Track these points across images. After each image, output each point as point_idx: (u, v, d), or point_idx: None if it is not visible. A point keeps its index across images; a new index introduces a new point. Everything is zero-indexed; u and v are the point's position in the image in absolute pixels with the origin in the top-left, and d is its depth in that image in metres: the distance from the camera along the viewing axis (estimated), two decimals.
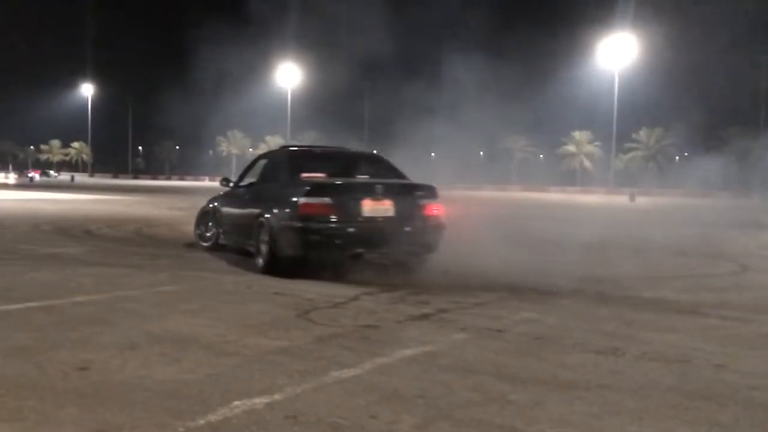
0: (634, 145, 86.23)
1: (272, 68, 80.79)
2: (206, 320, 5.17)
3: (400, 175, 8.42)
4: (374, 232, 7.38)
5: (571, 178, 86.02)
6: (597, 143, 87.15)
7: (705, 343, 4.85)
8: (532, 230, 15.56)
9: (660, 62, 67.77)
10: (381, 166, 8.71)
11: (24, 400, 3.31)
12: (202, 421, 3.10)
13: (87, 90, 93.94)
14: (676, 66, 72.10)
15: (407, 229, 7.52)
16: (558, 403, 3.47)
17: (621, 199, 47.21)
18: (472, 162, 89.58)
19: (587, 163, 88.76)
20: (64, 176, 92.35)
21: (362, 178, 8.13)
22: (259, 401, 3.37)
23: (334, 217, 7.27)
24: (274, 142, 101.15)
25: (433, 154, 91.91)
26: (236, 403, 3.34)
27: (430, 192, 7.96)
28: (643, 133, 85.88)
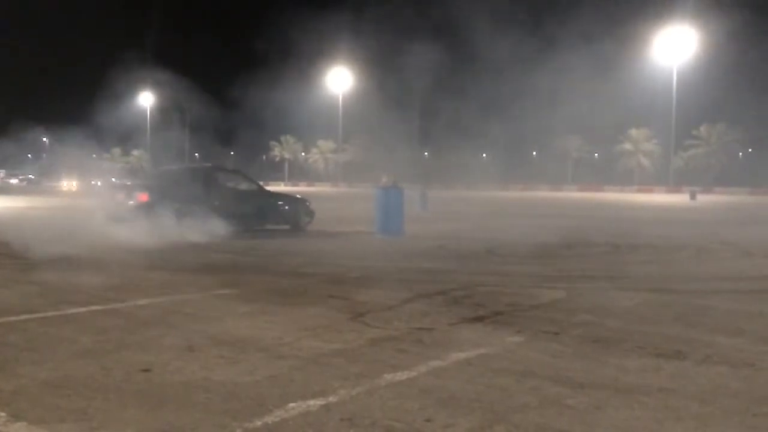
0: (694, 142, 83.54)
1: (325, 73, 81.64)
2: (263, 323, 5.25)
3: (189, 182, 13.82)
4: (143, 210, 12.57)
5: (628, 177, 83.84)
6: (655, 141, 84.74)
7: None
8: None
9: (720, 55, 65.40)
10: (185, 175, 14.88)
11: (90, 400, 3.42)
12: (259, 423, 3.14)
13: (146, 99, 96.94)
14: (738, 59, 69.46)
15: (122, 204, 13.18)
16: (618, 408, 3.39)
17: (681, 198, 45.88)
18: (526, 162, 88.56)
19: (645, 162, 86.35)
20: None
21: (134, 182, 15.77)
22: (315, 403, 3.40)
23: (125, 200, 13.35)
24: (326, 146, 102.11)
25: (484, 155, 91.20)
26: (292, 405, 3.37)
27: (140, 188, 13.81)
28: (703, 130, 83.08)
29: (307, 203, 15.31)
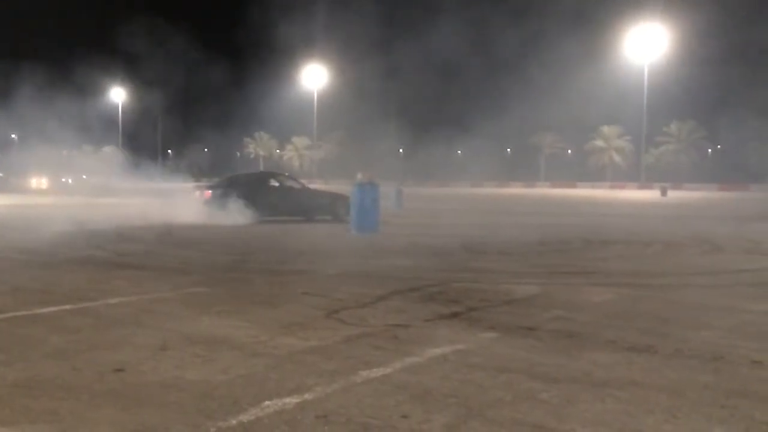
0: (665, 139, 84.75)
1: (300, 69, 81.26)
2: (237, 321, 5.22)
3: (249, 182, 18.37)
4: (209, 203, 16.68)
5: (600, 173, 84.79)
6: (627, 138, 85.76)
7: (742, 340, 4.76)
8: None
9: (691, 53, 66.48)
10: (252, 179, 19.41)
11: (61, 401, 3.37)
12: (234, 421, 3.13)
13: (117, 95, 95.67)
14: (708, 56, 70.62)
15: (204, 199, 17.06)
16: (590, 402, 3.44)
17: (653, 194, 46.58)
18: (500, 159, 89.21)
19: (617, 158, 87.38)
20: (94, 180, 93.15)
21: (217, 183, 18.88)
22: (290, 401, 3.39)
23: (204, 196, 17.05)
24: (300, 143, 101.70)
25: (459, 151, 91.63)
26: (267, 403, 3.36)
27: (198, 188, 18.19)
28: (674, 127, 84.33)
29: (348, 199, 17.58)
